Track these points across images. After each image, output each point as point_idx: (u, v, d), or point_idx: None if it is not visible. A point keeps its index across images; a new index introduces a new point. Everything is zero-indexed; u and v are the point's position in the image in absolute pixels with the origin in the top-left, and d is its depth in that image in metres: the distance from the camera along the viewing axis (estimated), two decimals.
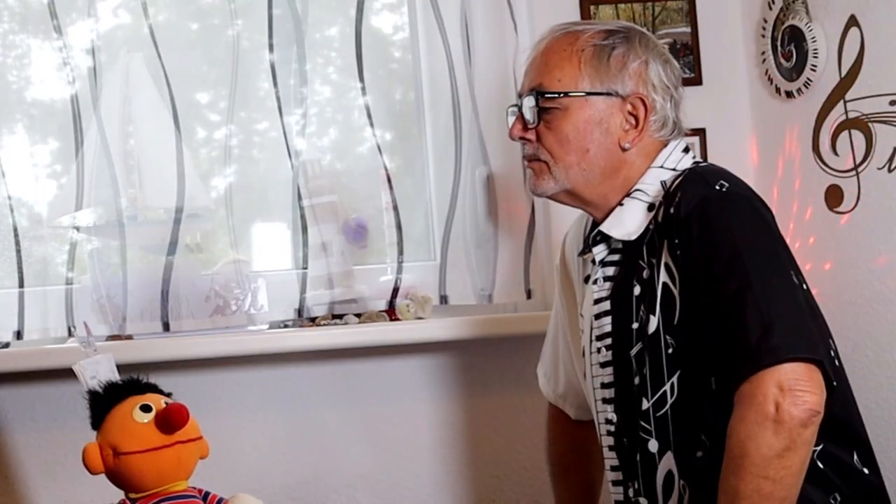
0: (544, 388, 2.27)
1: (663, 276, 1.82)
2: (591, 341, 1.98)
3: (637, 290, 1.87)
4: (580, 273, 2.07)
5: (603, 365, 1.94)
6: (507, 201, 2.55)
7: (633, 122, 1.91)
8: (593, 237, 1.95)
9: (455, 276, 2.52)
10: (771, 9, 2.50)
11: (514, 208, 2.55)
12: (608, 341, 1.93)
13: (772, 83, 2.53)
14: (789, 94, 2.47)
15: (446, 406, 2.55)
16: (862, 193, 2.28)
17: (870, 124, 2.26)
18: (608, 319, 1.93)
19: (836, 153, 2.34)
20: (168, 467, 1.82)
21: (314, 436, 2.49)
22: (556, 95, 1.90)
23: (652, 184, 1.91)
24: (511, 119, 1.98)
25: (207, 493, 1.90)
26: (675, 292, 1.80)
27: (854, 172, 2.30)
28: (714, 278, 1.75)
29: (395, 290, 2.48)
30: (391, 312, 2.48)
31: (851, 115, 2.30)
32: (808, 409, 1.67)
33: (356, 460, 2.50)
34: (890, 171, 2.22)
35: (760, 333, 1.69)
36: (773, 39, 2.50)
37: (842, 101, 2.32)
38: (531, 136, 1.94)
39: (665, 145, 1.94)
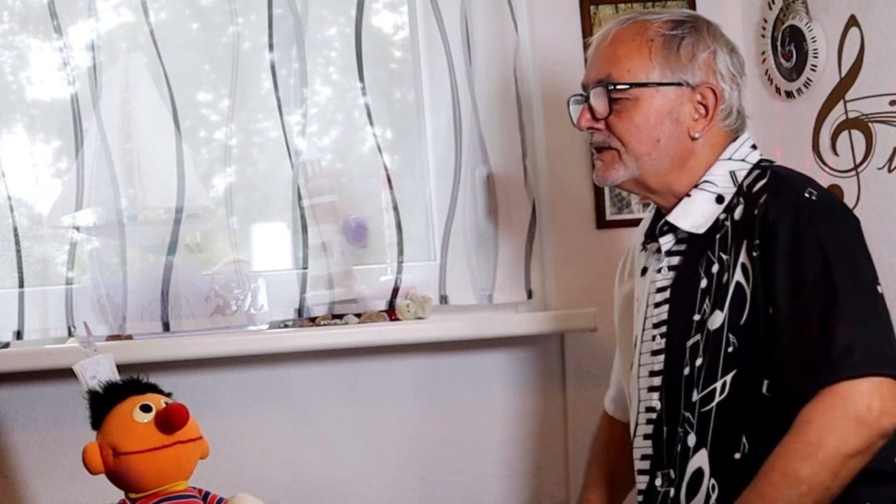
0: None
1: (738, 276, 1.82)
2: (643, 329, 1.98)
3: (703, 282, 1.87)
4: (639, 266, 2.07)
5: (655, 353, 1.94)
6: (507, 201, 2.55)
7: (703, 111, 1.91)
8: (660, 227, 1.95)
9: (455, 276, 2.52)
10: (771, 9, 2.50)
11: (514, 208, 2.55)
12: (664, 329, 1.93)
13: (772, 83, 2.53)
14: (789, 94, 2.47)
15: (446, 406, 2.55)
16: (862, 193, 2.28)
17: (870, 124, 2.26)
18: (667, 308, 1.93)
19: (836, 153, 2.34)
20: (168, 467, 1.82)
21: (314, 436, 2.48)
22: (628, 86, 1.90)
23: (721, 175, 1.91)
24: (575, 109, 1.98)
25: (207, 493, 1.90)
26: (748, 293, 1.80)
27: (854, 172, 2.30)
28: (803, 287, 1.75)
29: (395, 290, 2.48)
30: (391, 312, 2.48)
31: (851, 115, 2.30)
32: (893, 422, 1.70)
33: (356, 460, 2.50)
34: (890, 171, 2.22)
35: (853, 342, 1.70)
36: (773, 39, 2.50)
37: (842, 101, 2.32)
38: (601, 125, 1.94)
39: (733, 138, 1.94)
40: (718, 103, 1.91)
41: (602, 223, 2.57)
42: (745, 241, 1.82)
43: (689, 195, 1.92)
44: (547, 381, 2.59)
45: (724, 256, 1.85)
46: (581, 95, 1.97)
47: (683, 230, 1.92)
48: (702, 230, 1.89)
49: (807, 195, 1.81)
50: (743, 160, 1.93)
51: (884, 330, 1.75)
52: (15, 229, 2.33)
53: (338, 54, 2.60)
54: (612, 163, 1.94)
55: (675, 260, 1.94)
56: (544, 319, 2.51)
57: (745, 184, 1.89)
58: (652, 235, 2.01)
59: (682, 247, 1.94)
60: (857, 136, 2.29)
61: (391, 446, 2.52)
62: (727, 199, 1.89)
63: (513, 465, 2.58)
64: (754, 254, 1.80)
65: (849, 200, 2.31)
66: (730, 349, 1.81)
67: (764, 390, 1.78)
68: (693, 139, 1.91)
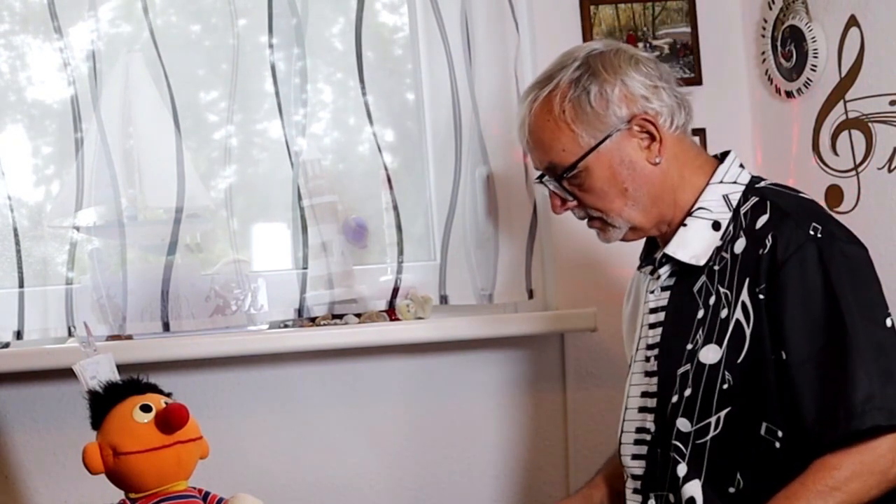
0: None
1: (738, 314, 1.82)
2: (637, 349, 1.99)
3: (701, 313, 1.87)
4: (639, 286, 2.08)
5: (649, 374, 1.94)
6: (507, 201, 2.55)
7: (648, 137, 1.91)
8: (660, 260, 1.95)
9: (455, 276, 2.52)
10: (771, 9, 2.50)
11: (514, 208, 2.55)
12: (657, 352, 1.93)
13: (772, 83, 2.53)
14: (789, 94, 2.47)
15: (446, 406, 2.55)
16: (862, 193, 2.28)
17: (870, 124, 2.26)
18: (660, 331, 1.93)
19: (836, 153, 2.34)
20: (168, 467, 1.82)
21: (314, 436, 2.49)
22: (573, 168, 1.90)
23: (714, 200, 1.91)
24: (545, 190, 1.99)
25: (207, 493, 1.90)
26: (747, 333, 1.80)
27: (854, 172, 2.30)
28: (815, 332, 1.76)
29: (395, 290, 2.48)
30: (391, 312, 2.48)
31: (851, 115, 2.30)
32: None
33: (356, 460, 2.50)
34: (890, 171, 2.22)
35: (873, 391, 1.71)
36: (773, 39, 2.50)
37: (842, 101, 2.32)
38: (573, 203, 1.95)
39: (688, 138, 1.95)
40: (657, 121, 1.90)
41: None
42: (747, 280, 1.81)
43: (684, 224, 1.92)
44: (547, 381, 2.59)
45: (723, 290, 1.84)
46: (539, 179, 1.99)
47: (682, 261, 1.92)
48: (702, 261, 1.89)
49: (812, 232, 1.79)
50: (734, 182, 1.92)
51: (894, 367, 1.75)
52: (15, 229, 2.33)
53: (338, 54, 2.60)
54: (605, 228, 1.96)
55: (670, 281, 1.94)
56: (544, 319, 2.51)
57: (741, 211, 1.88)
58: (647, 258, 2.01)
59: (678, 267, 1.93)
60: (857, 136, 2.29)
61: (391, 446, 2.52)
62: (723, 224, 1.89)
63: (513, 465, 2.58)
64: (760, 296, 1.79)
65: (849, 200, 2.31)
66: (724, 386, 1.81)
67: (762, 432, 1.79)
68: (655, 164, 1.91)
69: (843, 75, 2.31)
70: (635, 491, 1.95)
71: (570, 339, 2.58)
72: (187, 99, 2.46)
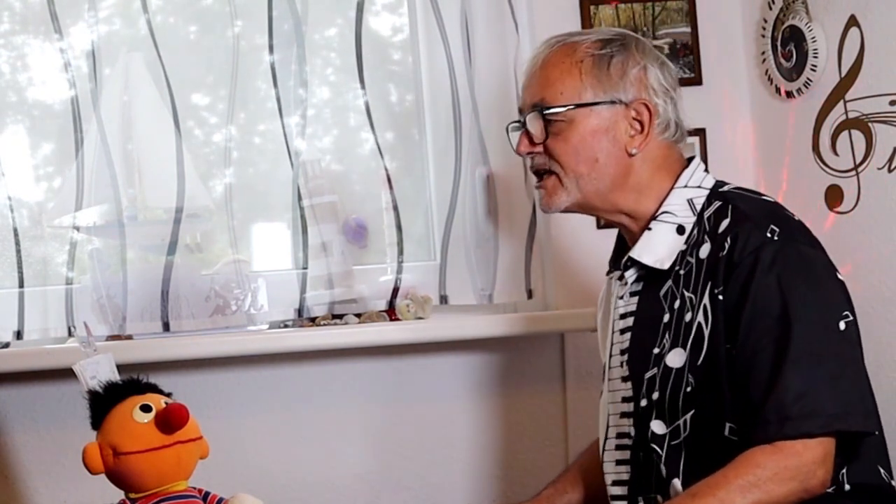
0: None
1: (699, 317, 1.83)
2: (610, 356, 1.99)
3: (667, 317, 1.88)
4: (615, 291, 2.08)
5: (624, 379, 1.94)
6: (507, 201, 2.55)
7: (639, 127, 1.91)
8: (624, 263, 1.95)
9: (455, 276, 2.52)
10: (771, 9, 2.50)
11: (514, 208, 2.55)
12: (627, 356, 1.94)
13: (772, 83, 2.53)
14: (789, 94, 2.47)
15: (446, 406, 2.55)
16: (862, 193, 2.28)
17: (870, 124, 2.26)
18: (629, 336, 1.94)
19: (836, 153, 2.34)
20: (168, 467, 1.82)
21: (314, 436, 2.49)
22: (562, 109, 1.90)
23: (678, 204, 1.91)
24: (514, 136, 1.98)
25: (207, 493, 1.90)
26: (706, 334, 1.81)
27: (854, 172, 2.30)
28: (760, 328, 1.76)
29: (395, 290, 2.48)
30: (391, 312, 2.48)
31: (851, 115, 2.30)
32: (825, 487, 1.74)
33: (356, 460, 2.50)
34: (890, 171, 2.22)
35: (806, 390, 1.72)
36: (773, 39, 2.50)
37: (842, 101, 2.32)
38: (539, 149, 1.94)
39: (672, 150, 1.95)
40: (653, 118, 1.91)
41: (602, 223, 2.57)
42: (710, 283, 1.82)
43: (649, 228, 1.92)
44: (547, 381, 2.59)
45: (688, 294, 1.85)
46: (518, 122, 1.98)
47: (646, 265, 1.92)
48: (666, 265, 1.89)
49: (769, 235, 1.80)
50: (699, 186, 1.93)
51: (840, 371, 1.76)
52: (15, 229, 2.33)
53: (337, 55, 2.60)
54: (555, 189, 1.94)
55: (639, 286, 1.95)
56: (544, 319, 2.51)
57: (705, 215, 1.89)
58: (615, 264, 2.02)
59: (644, 272, 1.94)
60: (857, 136, 2.29)
61: (391, 446, 2.52)
62: (688, 228, 1.89)
63: (512, 465, 2.58)
64: (719, 297, 1.81)
65: (849, 200, 2.31)
66: (688, 389, 1.82)
67: (726, 433, 1.79)
68: (631, 155, 1.91)
69: (843, 75, 2.31)
70: (617, 497, 1.95)
71: (570, 339, 2.58)
72: (187, 99, 2.47)
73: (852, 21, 2.28)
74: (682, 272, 1.88)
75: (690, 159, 1.97)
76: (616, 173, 1.92)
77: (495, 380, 2.57)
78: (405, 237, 2.50)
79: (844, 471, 1.80)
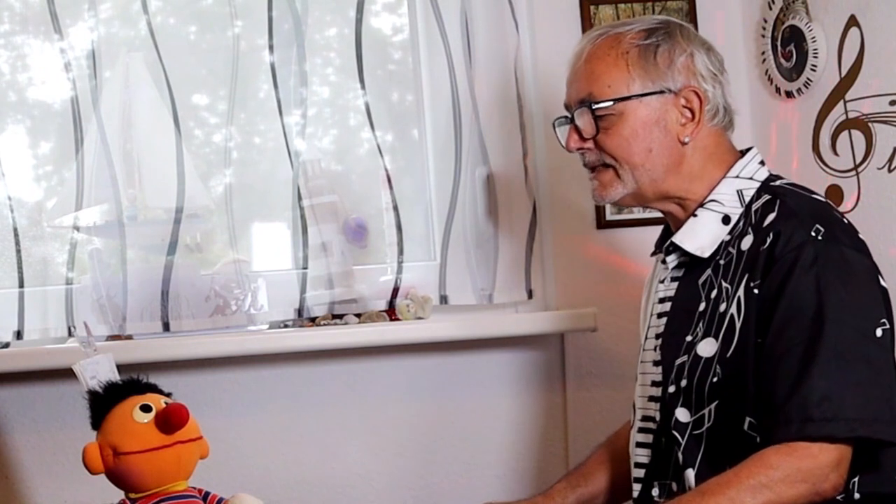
0: None
1: (733, 308, 1.82)
2: (646, 339, 2.00)
3: (702, 305, 1.87)
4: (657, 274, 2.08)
5: (656, 363, 1.94)
6: (507, 201, 2.55)
7: (690, 115, 1.91)
8: (667, 248, 1.95)
9: (455, 276, 2.52)
10: (771, 9, 2.50)
11: (514, 208, 2.55)
12: (661, 341, 1.94)
13: (772, 83, 2.53)
14: (789, 94, 2.47)
15: (446, 406, 2.55)
16: (862, 193, 2.29)
17: (870, 124, 2.26)
18: (665, 321, 1.94)
19: (836, 153, 2.34)
20: (168, 467, 1.82)
21: (314, 436, 2.49)
22: (611, 102, 1.90)
23: (728, 193, 1.91)
24: (561, 131, 1.98)
25: (207, 493, 1.90)
26: (737, 326, 1.81)
27: (854, 172, 2.30)
28: (793, 326, 1.75)
29: (395, 290, 2.48)
30: (391, 312, 2.48)
31: (851, 115, 2.31)
32: (837, 493, 1.73)
33: (356, 460, 2.50)
34: (890, 171, 2.23)
35: (830, 392, 1.70)
36: (773, 39, 2.51)
37: (842, 101, 2.32)
38: (590, 144, 1.94)
39: (723, 136, 1.95)
40: (703, 105, 1.91)
41: (602, 223, 2.57)
42: (747, 275, 1.82)
43: (695, 215, 1.91)
44: (547, 381, 2.59)
45: (725, 285, 1.85)
46: (565, 117, 1.97)
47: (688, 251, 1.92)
48: (707, 253, 1.89)
49: (813, 233, 1.79)
50: (751, 178, 1.92)
51: (871, 377, 1.74)
52: (15, 229, 2.33)
53: (337, 55, 2.60)
54: (611, 182, 1.94)
55: (679, 272, 1.95)
56: (544, 319, 2.51)
57: (753, 207, 1.88)
58: (660, 246, 2.01)
59: (686, 258, 1.93)
60: (857, 136, 2.29)
61: (391, 446, 2.52)
62: (733, 219, 1.89)
63: (513, 465, 2.57)
64: (755, 291, 1.80)
65: (849, 200, 2.31)
66: (714, 379, 1.82)
67: (746, 427, 1.79)
68: (683, 143, 1.91)
69: (843, 75, 2.31)
70: (637, 480, 1.95)
71: (570, 339, 2.58)
72: (187, 99, 2.47)
73: (852, 21, 2.28)
74: (722, 262, 1.87)
75: (747, 150, 1.96)
76: (669, 162, 1.91)
77: (495, 380, 2.57)
78: (405, 237, 2.50)
79: (856, 479, 1.78)
